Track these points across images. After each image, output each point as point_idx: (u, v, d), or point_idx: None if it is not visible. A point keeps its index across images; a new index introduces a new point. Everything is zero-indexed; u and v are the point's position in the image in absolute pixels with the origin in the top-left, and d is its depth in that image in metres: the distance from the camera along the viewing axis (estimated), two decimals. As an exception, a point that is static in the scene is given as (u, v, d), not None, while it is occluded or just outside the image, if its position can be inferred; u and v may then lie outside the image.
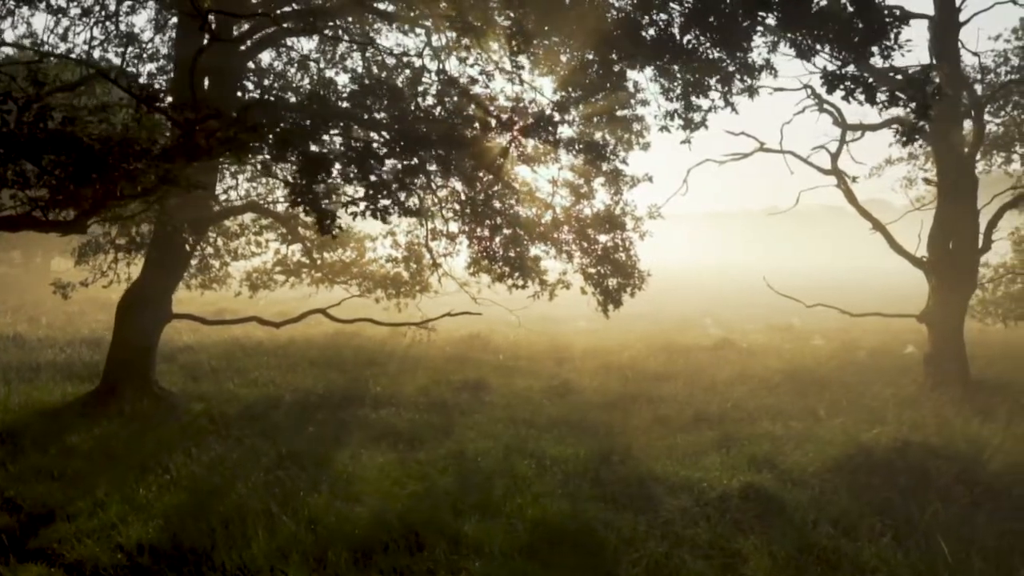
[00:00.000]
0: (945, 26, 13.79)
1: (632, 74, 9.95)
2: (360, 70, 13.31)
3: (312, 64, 14.24)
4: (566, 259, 11.25)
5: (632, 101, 11.38)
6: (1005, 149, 17.50)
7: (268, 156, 9.94)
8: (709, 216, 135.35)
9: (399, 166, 9.60)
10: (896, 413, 11.22)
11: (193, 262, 14.11)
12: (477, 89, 10.42)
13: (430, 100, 10.52)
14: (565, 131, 10.09)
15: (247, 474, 8.02)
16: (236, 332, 18.75)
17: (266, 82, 13.11)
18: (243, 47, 12.03)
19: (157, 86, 12.02)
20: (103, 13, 12.81)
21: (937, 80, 11.33)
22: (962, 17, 13.85)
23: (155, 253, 11.98)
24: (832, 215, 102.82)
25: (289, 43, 13.76)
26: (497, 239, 10.77)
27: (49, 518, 6.94)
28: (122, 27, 13.05)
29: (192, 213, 11.45)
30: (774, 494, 7.64)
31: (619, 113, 11.62)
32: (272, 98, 11.47)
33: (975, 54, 16.09)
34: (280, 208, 14.64)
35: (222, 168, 13.27)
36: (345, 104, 9.98)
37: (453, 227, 11.91)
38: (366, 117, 9.83)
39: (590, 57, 9.46)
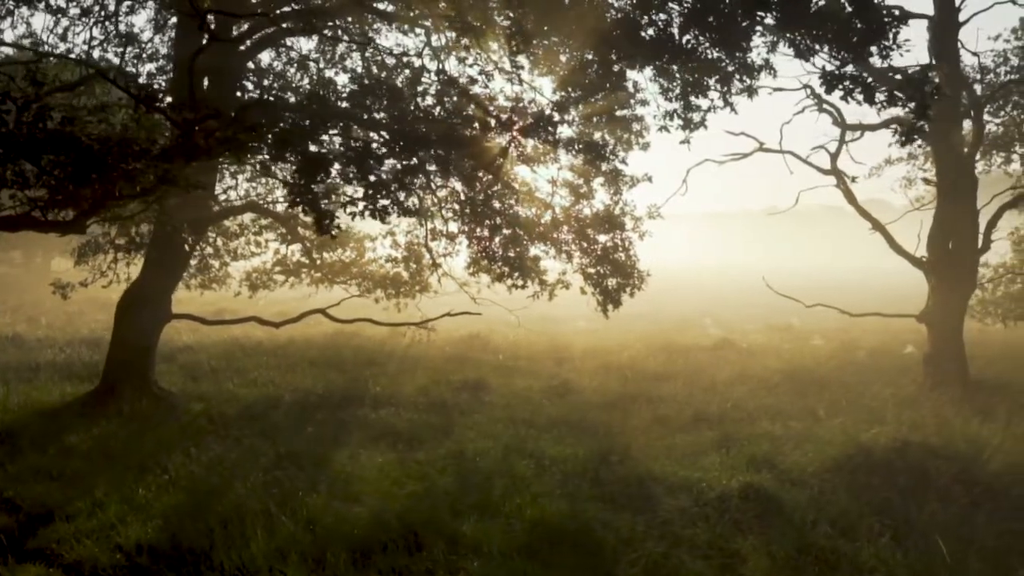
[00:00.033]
0: (944, 26, 13.79)
1: (631, 74, 9.96)
2: (360, 70, 13.31)
3: (311, 64, 14.25)
4: (565, 259, 11.25)
5: (631, 101, 11.38)
6: (1005, 149, 17.50)
7: (267, 156, 9.94)
8: (709, 216, 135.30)
9: (398, 166, 9.59)
10: (895, 413, 11.22)
11: (192, 262, 14.11)
12: (476, 89, 10.41)
13: (429, 100, 10.52)
14: (564, 131, 10.09)
15: (246, 474, 8.02)
16: (236, 332, 18.75)
17: (266, 82, 13.12)
18: (242, 47, 12.03)
19: (156, 86, 12.04)
20: (102, 13, 12.81)
21: (936, 80, 11.33)
22: (961, 17, 13.86)
23: (154, 253, 11.98)
24: (832, 215, 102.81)
25: (288, 43, 13.76)
26: (497, 239, 10.76)
27: (48, 518, 6.94)
28: (121, 27, 13.07)
29: (191, 213, 11.44)
30: (773, 494, 7.64)
31: (618, 113, 11.62)
32: (271, 98, 11.46)
33: (975, 54, 16.11)
34: (280, 208, 14.63)
35: (221, 168, 13.26)
36: (344, 104, 9.97)
37: (453, 227, 11.91)
38: (365, 117, 9.82)
39: (589, 57, 9.46)
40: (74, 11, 12.64)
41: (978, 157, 15.71)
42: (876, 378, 14.31)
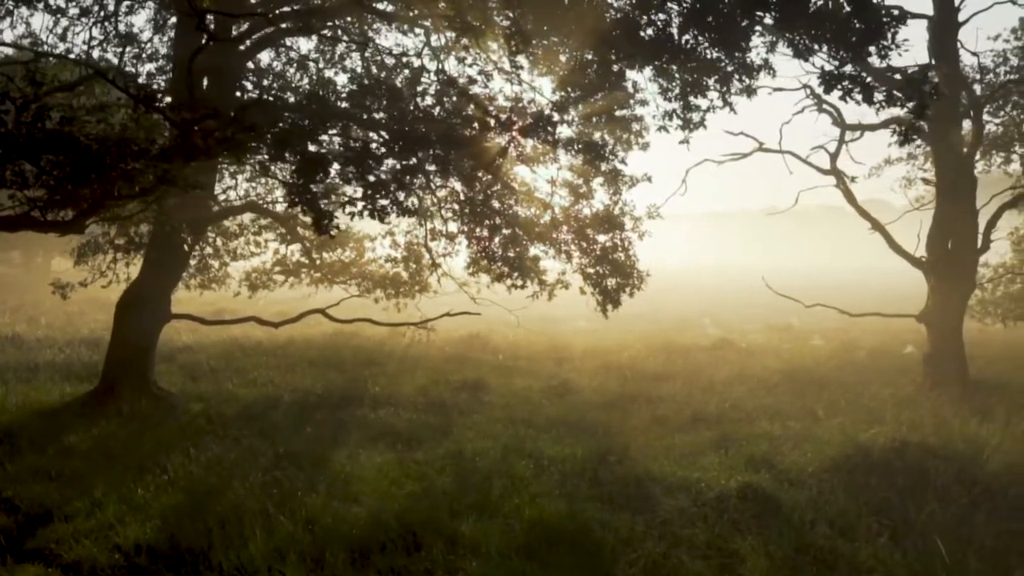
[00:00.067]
0: (944, 26, 13.80)
1: (631, 74, 9.95)
2: (359, 70, 13.32)
3: (311, 64, 14.24)
4: (565, 259, 11.25)
5: (631, 101, 11.37)
6: (1004, 149, 17.50)
7: (266, 156, 9.94)
8: (708, 216, 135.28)
9: (398, 166, 9.60)
10: (894, 413, 11.22)
11: (192, 262, 14.11)
12: (476, 89, 10.42)
13: (429, 100, 10.53)
14: (564, 131, 10.10)
15: (245, 474, 8.01)
16: (235, 332, 18.75)
17: (265, 82, 13.12)
18: (242, 47, 12.04)
19: (156, 86, 12.04)
20: (102, 13, 12.82)
21: (935, 80, 11.33)
22: (961, 17, 13.86)
23: (154, 253, 11.99)
24: (831, 215, 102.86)
25: (288, 43, 13.76)
26: (496, 239, 10.77)
27: (47, 518, 6.94)
28: (121, 27, 13.09)
29: (191, 213, 11.44)
30: (772, 494, 7.64)
31: (618, 113, 11.61)
32: (271, 98, 11.47)
33: (974, 54, 16.11)
34: (279, 208, 14.64)
35: (221, 168, 13.27)
36: (344, 104, 9.98)
37: (452, 227, 11.93)
38: (365, 117, 9.83)
39: (589, 57, 9.46)
40: (73, 11, 12.68)
41: (977, 157, 15.71)
42: (875, 378, 14.31)
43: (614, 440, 9.98)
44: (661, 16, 8.74)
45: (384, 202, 9.02)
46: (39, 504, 7.19)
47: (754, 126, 16.35)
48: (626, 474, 8.43)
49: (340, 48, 14.03)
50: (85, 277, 13.92)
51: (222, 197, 14.40)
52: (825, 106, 15.46)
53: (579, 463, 8.75)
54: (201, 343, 17.58)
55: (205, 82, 11.31)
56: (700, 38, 8.68)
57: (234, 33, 11.75)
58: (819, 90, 8.98)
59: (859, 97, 8.27)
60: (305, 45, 23.43)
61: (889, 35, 8.12)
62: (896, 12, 8.42)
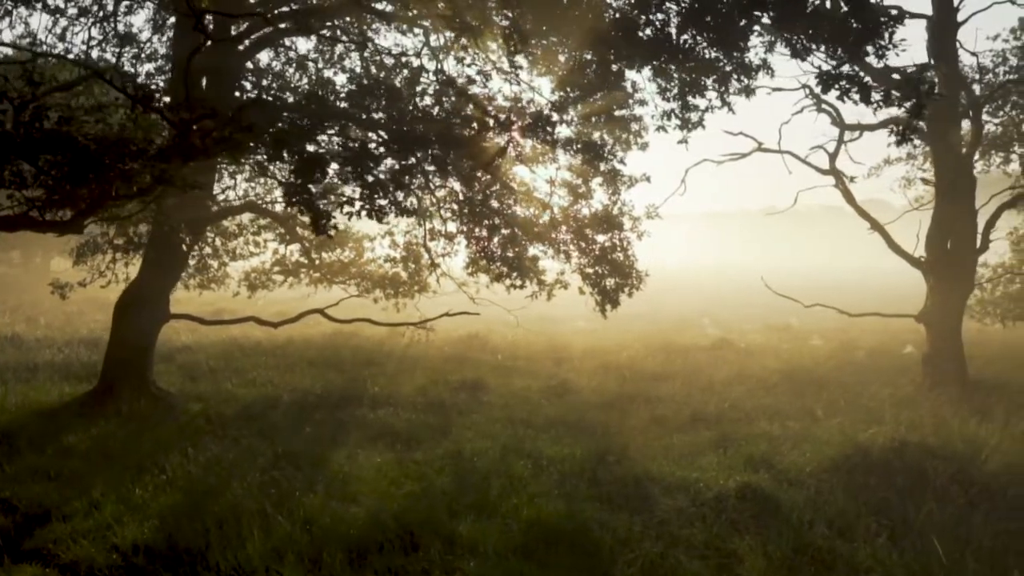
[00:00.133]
0: (943, 26, 13.80)
1: (630, 74, 9.96)
2: (358, 70, 13.32)
3: (310, 64, 14.23)
4: (564, 259, 11.26)
5: (630, 101, 11.38)
6: (1003, 149, 17.50)
7: (264, 156, 9.93)
8: (707, 216, 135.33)
9: (396, 166, 9.60)
10: (894, 413, 11.22)
11: (191, 262, 14.11)
12: (475, 89, 10.42)
13: (428, 100, 10.53)
14: (563, 131, 10.11)
15: (243, 474, 8.01)
16: (234, 332, 18.75)
17: (264, 82, 13.12)
18: (241, 47, 12.03)
19: (155, 86, 12.03)
20: (101, 13, 12.81)
21: (934, 79, 11.34)
22: (960, 17, 13.85)
23: (153, 253, 11.98)
24: (830, 215, 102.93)
25: (287, 43, 13.75)
26: (495, 239, 10.77)
27: (45, 518, 6.94)
28: (120, 27, 13.06)
29: (190, 213, 11.44)
30: (770, 494, 7.64)
31: (617, 113, 11.61)
32: (270, 98, 11.46)
33: (973, 54, 16.09)
34: (278, 208, 14.63)
35: (220, 168, 13.26)
36: (343, 104, 9.98)
37: (451, 227, 11.93)
38: (364, 117, 9.83)
39: (588, 57, 9.45)
40: (72, 11, 12.66)
41: (977, 157, 15.71)
42: (874, 378, 14.31)
43: (613, 440, 9.98)
44: (659, 16, 8.74)
45: (383, 202, 9.02)
46: (37, 504, 7.18)
47: (753, 126, 16.38)
48: (625, 474, 8.43)
49: (339, 48, 14.03)
50: (84, 277, 13.91)
51: (221, 197, 14.40)
52: (824, 106, 15.48)
53: (578, 463, 8.74)
54: (200, 343, 17.58)
55: (204, 82, 11.30)
56: (698, 38, 8.68)
57: (233, 33, 11.75)
58: (817, 90, 8.99)
59: (856, 97, 8.27)
60: (304, 45, 23.47)
61: (886, 35, 8.12)
62: (894, 12, 8.43)
